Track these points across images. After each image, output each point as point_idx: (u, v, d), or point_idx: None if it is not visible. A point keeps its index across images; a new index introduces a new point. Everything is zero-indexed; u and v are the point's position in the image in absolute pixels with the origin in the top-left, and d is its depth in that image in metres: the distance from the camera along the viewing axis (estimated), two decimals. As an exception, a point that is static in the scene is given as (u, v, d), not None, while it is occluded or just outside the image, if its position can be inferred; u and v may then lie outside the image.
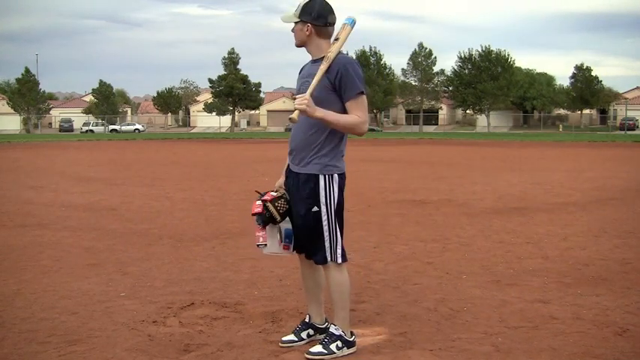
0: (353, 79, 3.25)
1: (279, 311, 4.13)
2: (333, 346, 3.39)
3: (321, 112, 3.19)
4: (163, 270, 5.37)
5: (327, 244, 3.35)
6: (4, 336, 3.71)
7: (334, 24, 3.38)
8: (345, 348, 3.41)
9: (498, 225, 7.57)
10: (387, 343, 3.59)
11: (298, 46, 3.42)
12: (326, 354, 3.38)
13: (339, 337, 3.42)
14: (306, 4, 3.32)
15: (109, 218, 8.29)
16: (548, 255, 5.89)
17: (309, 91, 3.20)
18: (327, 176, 3.34)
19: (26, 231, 7.31)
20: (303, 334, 3.61)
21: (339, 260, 3.37)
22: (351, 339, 3.46)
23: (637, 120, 62.22)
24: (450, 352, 3.44)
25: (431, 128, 69.51)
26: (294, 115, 3.17)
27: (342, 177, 3.39)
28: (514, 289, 4.72)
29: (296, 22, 3.36)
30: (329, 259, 3.37)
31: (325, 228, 3.35)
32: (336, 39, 3.34)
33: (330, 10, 3.34)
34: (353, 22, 3.39)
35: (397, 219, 8.08)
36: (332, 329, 3.45)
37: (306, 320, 3.66)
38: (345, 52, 3.45)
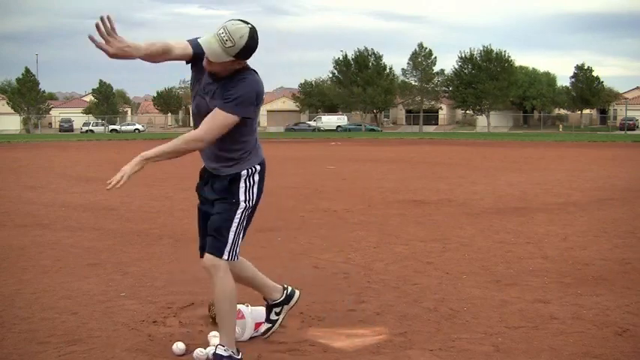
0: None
1: (279, 311, 4.13)
2: None
3: (139, 165, 3.20)
4: (163, 270, 5.37)
5: None
6: (4, 336, 3.71)
7: None
8: None
9: (498, 225, 7.57)
10: (387, 343, 3.59)
11: (222, 76, 3.11)
12: None
13: (229, 359, 3.22)
14: (245, 48, 2.99)
15: (109, 218, 8.29)
16: (548, 255, 5.89)
17: (128, 167, 3.13)
18: None
19: (26, 231, 7.31)
20: (272, 316, 3.68)
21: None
22: (239, 357, 3.26)
23: (637, 120, 62.20)
24: (450, 352, 3.44)
25: (431, 128, 69.43)
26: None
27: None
28: (514, 289, 4.72)
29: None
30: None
31: None
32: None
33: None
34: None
35: (397, 219, 8.08)
36: (219, 350, 3.21)
37: (268, 303, 3.69)
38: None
